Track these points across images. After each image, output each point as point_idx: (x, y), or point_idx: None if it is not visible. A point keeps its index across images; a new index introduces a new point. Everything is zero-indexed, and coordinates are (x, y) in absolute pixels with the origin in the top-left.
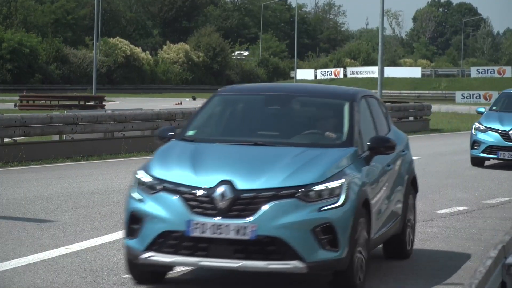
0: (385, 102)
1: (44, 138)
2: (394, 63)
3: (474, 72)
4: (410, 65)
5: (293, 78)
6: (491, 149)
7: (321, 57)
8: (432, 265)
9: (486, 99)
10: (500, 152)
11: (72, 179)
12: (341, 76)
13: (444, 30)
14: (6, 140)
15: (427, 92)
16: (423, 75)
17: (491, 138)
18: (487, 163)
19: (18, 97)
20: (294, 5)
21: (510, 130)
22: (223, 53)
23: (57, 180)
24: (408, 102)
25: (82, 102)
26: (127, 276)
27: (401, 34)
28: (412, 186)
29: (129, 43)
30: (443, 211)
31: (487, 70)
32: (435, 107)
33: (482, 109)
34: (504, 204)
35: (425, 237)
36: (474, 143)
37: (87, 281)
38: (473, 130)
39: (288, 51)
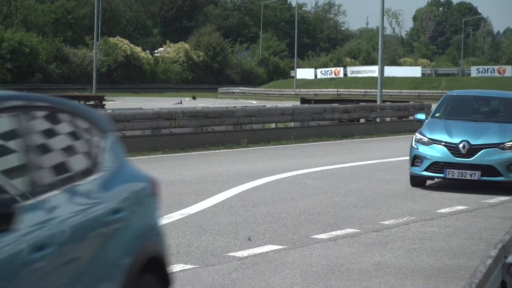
0: (385, 101)
1: None
2: (394, 63)
3: (474, 71)
4: (410, 65)
5: (293, 77)
6: (437, 166)
7: (321, 56)
8: (432, 264)
9: None
10: (447, 170)
11: None
12: (341, 75)
13: (444, 30)
14: None
15: (427, 91)
16: (423, 74)
17: (436, 152)
18: (429, 182)
19: None
20: (294, 4)
21: (460, 142)
22: (223, 53)
23: None
24: (408, 102)
25: (82, 102)
26: None
27: (401, 34)
28: None
29: (129, 43)
30: (443, 210)
31: (487, 69)
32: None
33: (422, 116)
34: (504, 203)
35: (425, 236)
36: (415, 159)
37: None
38: (413, 142)
39: (288, 51)
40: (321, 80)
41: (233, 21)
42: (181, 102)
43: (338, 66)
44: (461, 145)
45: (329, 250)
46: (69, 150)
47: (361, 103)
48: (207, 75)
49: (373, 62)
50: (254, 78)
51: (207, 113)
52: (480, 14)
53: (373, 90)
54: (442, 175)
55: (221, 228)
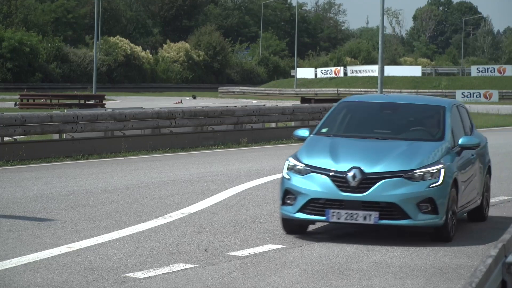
0: None
1: (44, 137)
2: (394, 62)
3: (474, 71)
4: (411, 64)
5: (293, 76)
6: (316, 204)
7: (321, 55)
8: (432, 264)
9: (486, 98)
10: (331, 210)
11: (72, 178)
12: (341, 75)
13: (444, 29)
14: (6, 139)
15: (427, 91)
16: (423, 73)
17: (315, 185)
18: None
19: (18, 96)
20: (294, 3)
21: (349, 170)
22: (224, 52)
23: (57, 179)
24: None
25: (82, 101)
26: (127, 274)
27: (401, 33)
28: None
29: (129, 42)
30: None
31: (487, 68)
32: None
33: (304, 133)
34: (505, 202)
35: (425, 235)
36: (286, 195)
37: (87, 280)
38: (284, 171)
39: (288, 50)
40: (321, 79)
41: (233, 20)
42: (181, 102)
43: (338, 65)
44: (350, 174)
45: (330, 249)
46: None
47: None
48: (207, 75)
49: (373, 62)
50: (254, 77)
51: (207, 112)
52: (480, 13)
53: (373, 90)
54: (323, 217)
55: (221, 227)
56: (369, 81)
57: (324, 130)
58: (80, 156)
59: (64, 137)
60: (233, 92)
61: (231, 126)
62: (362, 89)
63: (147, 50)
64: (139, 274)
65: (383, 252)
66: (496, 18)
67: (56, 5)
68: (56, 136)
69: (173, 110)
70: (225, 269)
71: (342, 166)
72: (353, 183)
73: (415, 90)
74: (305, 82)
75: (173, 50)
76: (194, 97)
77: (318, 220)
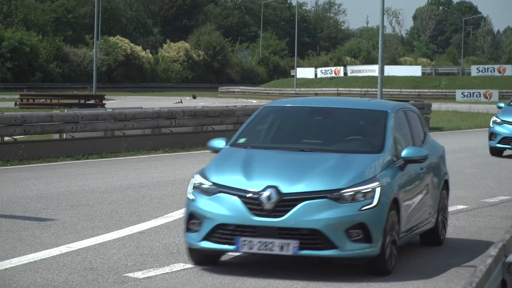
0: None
1: (44, 137)
2: (394, 62)
3: (474, 70)
4: (411, 64)
5: (293, 76)
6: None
7: (321, 55)
8: (432, 263)
9: (486, 97)
10: (242, 238)
11: (72, 178)
12: (341, 74)
13: (444, 29)
14: (6, 138)
15: (427, 90)
16: (423, 73)
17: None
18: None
19: (18, 96)
20: (294, 3)
21: (264, 189)
22: (223, 52)
23: (58, 179)
24: (408, 101)
25: (82, 101)
26: (127, 274)
27: (402, 33)
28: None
29: (129, 42)
30: None
31: (487, 68)
32: (435, 106)
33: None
34: (505, 202)
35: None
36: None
37: (87, 280)
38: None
39: (288, 50)
40: (321, 79)
41: (233, 20)
42: (181, 101)
43: (338, 65)
44: (265, 195)
45: None
46: None
47: None
48: (207, 74)
49: (373, 61)
50: (254, 77)
51: (207, 112)
52: (480, 13)
53: (373, 89)
54: (232, 247)
55: None
56: (369, 81)
57: (241, 140)
58: (80, 156)
59: (64, 137)
60: (233, 92)
61: (231, 126)
62: (362, 89)
63: (147, 50)
64: (139, 274)
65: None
66: (496, 18)
67: (56, 5)
68: (56, 136)
69: (173, 110)
70: (225, 269)
71: (256, 184)
72: (267, 206)
73: (415, 90)
74: (305, 82)
75: (173, 50)
76: (194, 97)
77: (227, 250)
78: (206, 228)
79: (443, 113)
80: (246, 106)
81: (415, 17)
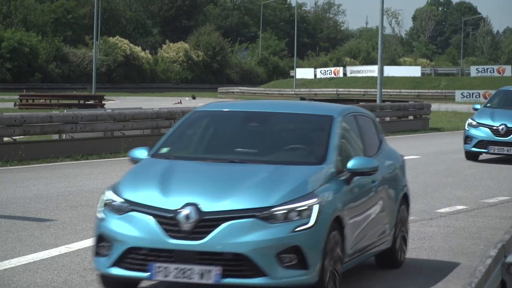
0: (385, 101)
1: (43, 137)
2: (394, 62)
3: (473, 71)
4: (410, 64)
5: (292, 77)
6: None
7: (321, 56)
8: (432, 264)
9: (485, 98)
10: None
11: (71, 178)
12: (341, 75)
13: (443, 29)
14: (6, 139)
15: (427, 91)
16: (423, 74)
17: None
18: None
19: (18, 96)
20: (294, 4)
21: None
22: (223, 52)
23: (57, 179)
24: (408, 101)
25: (82, 101)
26: None
27: (401, 33)
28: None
29: (128, 42)
30: (442, 210)
31: (487, 69)
32: (434, 106)
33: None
34: (504, 203)
35: (425, 236)
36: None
37: (86, 280)
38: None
39: (287, 50)
40: (321, 79)
41: (232, 20)
42: (180, 102)
43: (338, 65)
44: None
45: None
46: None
47: (361, 103)
48: (206, 75)
49: (372, 62)
50: (253, 77)
51: None
52: (479, 13)
53: (373, 90)
54: (145, 274)
55: None
56: (368, 81)
57: (164, 150)
58: (79, 156)
59: (64, 137)
60: (233, 92)
61: None
62: (361, 89)
63: (147, 50)
64: None
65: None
66: (495, 18)
67: (56, 5)
68: (55, 136)
69: (173, 110)
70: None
71: (173, 202)
72: (186, 226)
73: (415, 91)
74: (305, 83)
75: (173, 50)
76: (194, 97)
77: (140, 278)
78: (116, 252)
79: (442, 114)
80: None
81: (414, 18)
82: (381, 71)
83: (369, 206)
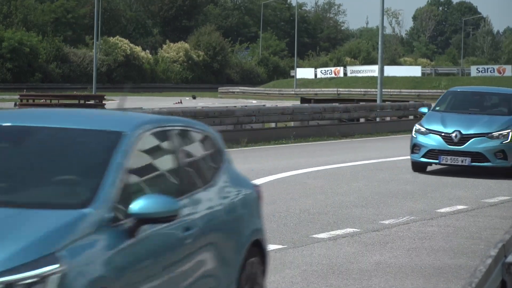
0: (385, 101)
1: None
2: (394, 62)
3: (474, 71)
4: (410, 64)
5: (293, 77)
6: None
7: (321, 56)
8: (432, 264)
9: None
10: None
11: None
12: (341, 75)
13: (444, 29)
14: None
15: (427, 91)
16: (423, 74)
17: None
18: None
19: (18, 96)
20: (294, 4)
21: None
22: (223, 52)
23: None
24: (408, 101)
25: (82, 101)
26: None
27: (401, 33)
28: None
29: (129, 42)
30: (443, 210)
31: (487, 69)
32: None
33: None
34: (504, 203)
35: (425, 236)
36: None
37: None
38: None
39: (288, 50)
40: (321, 79)
41: (233, 20)
42: (181, 102)
43: (338, 65)
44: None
45: (329, 249)
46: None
47: (361, 103)
48: (207, 75)
49: (373, 62)
50: (254, 77)
51: (207, 112)
52: (480, 13)
53: (373, 90)
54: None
55: None
56: (369, 81)
57: None
58: None
59: None
60: (233, 92)
61: (231, 126)
62: (362, 89)
63: (147, 50)
64: None
65: (383, 252)
66: (496, 18)
67: (56, 5)
68: None
69: (173, 110)
70: None
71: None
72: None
73: (415, 90)
74: (305, 82)
75: (173, 50)
76: (194, 97)
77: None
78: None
79: None
80: (246, 106)
81: (414, 18)
82: (381, 71)
83: (177, 267)
